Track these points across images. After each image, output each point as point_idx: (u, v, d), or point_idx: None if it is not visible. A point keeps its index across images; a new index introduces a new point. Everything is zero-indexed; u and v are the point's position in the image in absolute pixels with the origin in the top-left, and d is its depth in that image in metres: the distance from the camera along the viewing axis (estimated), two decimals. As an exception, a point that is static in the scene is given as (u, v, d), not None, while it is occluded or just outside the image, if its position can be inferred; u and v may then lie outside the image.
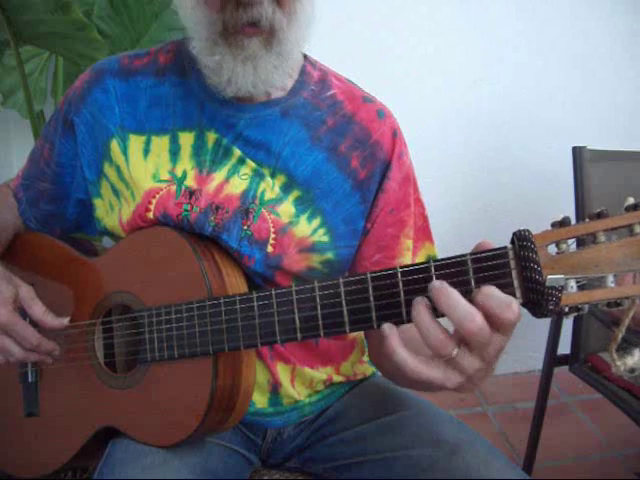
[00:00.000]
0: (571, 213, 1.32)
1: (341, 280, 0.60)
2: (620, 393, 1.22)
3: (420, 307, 0.53)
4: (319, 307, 0.61)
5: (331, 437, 0.87)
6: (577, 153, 1.33)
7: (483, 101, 1.87)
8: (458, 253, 0.56)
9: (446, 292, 0.52)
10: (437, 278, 0.55)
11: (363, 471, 0.82)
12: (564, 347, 1.39)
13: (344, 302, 0.60)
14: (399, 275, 0.57)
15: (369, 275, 0.59)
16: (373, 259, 0.83)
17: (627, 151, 1.41)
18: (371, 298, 0.59)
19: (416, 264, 0.57)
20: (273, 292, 0.64)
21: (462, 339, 0.53)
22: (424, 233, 0.87)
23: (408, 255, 0.83)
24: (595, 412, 1.84)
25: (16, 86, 1.53)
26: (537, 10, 1.83)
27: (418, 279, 0.56)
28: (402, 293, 0.57)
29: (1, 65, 1.47)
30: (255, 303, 0.65)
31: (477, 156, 1.91)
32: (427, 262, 0.56)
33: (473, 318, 0.51)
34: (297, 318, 0.63)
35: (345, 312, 0.60)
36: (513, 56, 1.85)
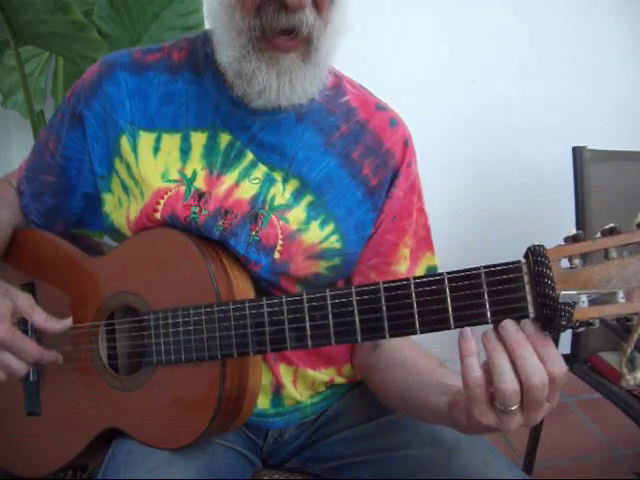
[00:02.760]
0: (571, 214, 1.32)
1: (353, 289, 0.61)
2: (620, 393, 1.22)
3: (502, 356, 0.53)
4: (331, 315, 0.61)
5: (331, 437, 0.87)
6: (577, 153, 1.33)
7: (482, 102, 1.86)
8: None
9: (523, 342, 0.52)
10: (450, 291, 0.56)
11: (363, 471, 0.82)
12: (564, 347, 1.39)
13: (356, 311, 0.60)
14: (412, 286, 0.57)
15: (382, 285, 0.59)
16: (369, 262, 0.83)
17: (628, 151, 1.41)
18: (383, 308, 0.59)
19: (429, 275, 0.58)
20: (284, 299, 0.64)
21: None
22: (426, 243, 0.87)
23: (404, 264, 0.83)
24: (595, 412, 1.83)
25: (16, 86, 1.53)
26: (538, 10, 1.82)
27: (431, 290, 0.57)
28: (415, 304, 0.57)
29: (1, 65, 1.47)
30: (265, 309, 0.65)
31: (476, 158, 1.91)
32: (440, 274, 0.56)
33: (542, 374, 0.52)
34: (308, 326, 0.63)
35: (357, 321, 0.60)
36: (513, 56, 1.84)
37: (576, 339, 1.36)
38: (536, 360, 0.52)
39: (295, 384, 0.85)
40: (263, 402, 0.84)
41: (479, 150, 1.91)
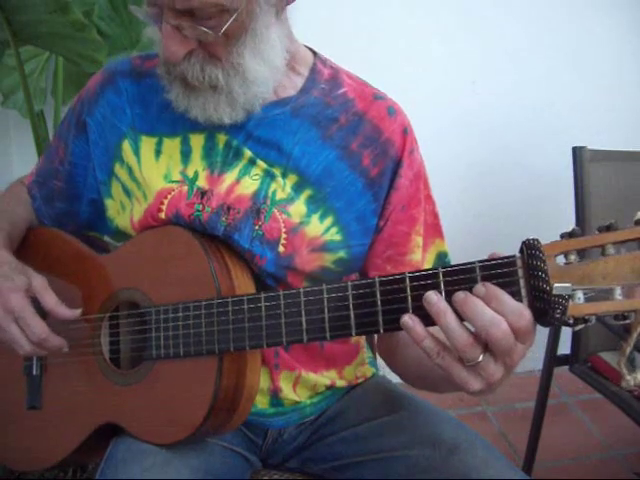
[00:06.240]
0: (571, 214, 1.32)
1: (349, 283, 0.61)
2: (620, 393, 1.22)
3: (447, 318, 0.54)
4: (326, 310, 0.62)
5: (330, 437, 0.87)
6: (577, 153, 1.33)
7: (481, 102, 1.86)
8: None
9: (472, 301, 0.53)
10: (445, 284, 0.56)
11: (362, 471, 0.82)
12: (564, 347, 1.39)
13: (351, 305, 0.61)
14: (407, 280, 0.58)
15: (377, 279, 0.59)
16: (384, 255, 0.83)
17: (627, 151, 1.42)
18: (379, 302, 0.59)
19: (424, 270, 0.58)
20: (281, 293, 0.65)
21: (486, 346, 0.54)
22: (435, 230, 0.87)
23: (418, 252, 0.83)
24: (595, 412, 1.84)
25: (16, 86, 1.53)
26: (537, 9, 1.83)
27: (426, 285, 0.57)
28: (410, 298, 0.57)
29: (1, 65, 1.47)
30: (263, 304, 0.66)
31: (476, 158, 1.91)
32: (435, 268, 0.57)
33: (499, 324, 0.52)
34: (304, 320, 0.63)
35: (352, 315, 0.61)
36: (512, 57, 1.84)
37: (576, 339, 1.36)
38: (489, 314, 0.52)
39: (295, 388, 0.85)
40: (262, 402, 0.84)
41: (479, 150, 1.90)
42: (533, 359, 1.89)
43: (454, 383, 0.56)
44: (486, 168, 1.93)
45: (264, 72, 0.74)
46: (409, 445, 0.79)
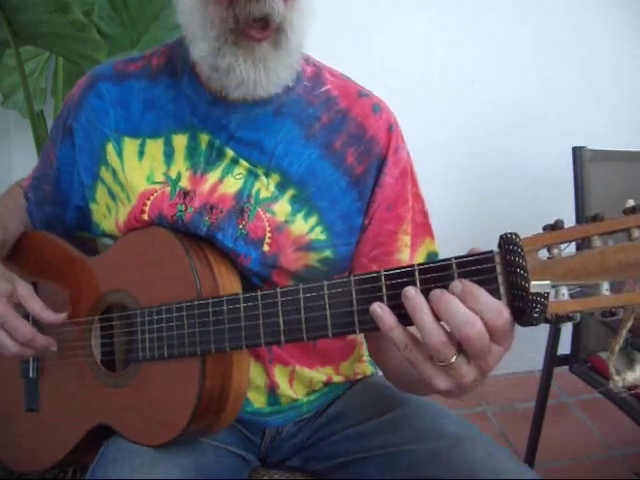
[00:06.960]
0: (571, 214, 1.32)
1: (325, 283, 0.60)
2: (620, 393, 1.22)
3: (423, 314, 0.52)
4: (302, 310, 0.61)
5: (333, 436, 0.87)
6: (577, 153, 1.33)
7: (481, 102, 1.86)
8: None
9: (446, 299, 0.51)
10: (421, 282, 0.54)
11: (366, 467, 0.82)
12: (564, 347, 1.39)
13: (327, 305, 0.59)
14: (383, 279, 0.56)
15: (353, 278, 0.58)
16: (371, 255, 0.82)
17: (627, 151, 1.41)
18: (354, 302, 0.58)
19: (400, 267, 0.56)
20: (259, 294, 0.64)
21: (461, 347, 0.52)
22: (424, 229, 0.85)
23: (406, 251, 0.82)
24: (595, 412, 1.84)
25: (16, 86, 1.53)
26: (537, 10, 1.83)
27: (402, 283, 0.55)
28: (385, 297, 0.56)
29: (1, 65, 1.47)
30: (241, 305, 0.65)
31: (475, 158, 1.91)
32: (411, 266, 0.55)
33: (474, 323, 0.50)
34: (281, 321, 0.62)
35: (328, 315, 0.59)
36: (511, 57, 1.84)
37: (576, 339, 1.36)
38: (463, 312, 0.50)
39: (291, 384, 0.85)
40: (259, 401, 0.84)
41: (478, 150, 1.90)
42: (533, 359, 1.89)
43: (422, 380, 0.55)
44: (485, 168, 1.93)
45: (307, 28, 0.74)
46: (412, 439, 0.79)
